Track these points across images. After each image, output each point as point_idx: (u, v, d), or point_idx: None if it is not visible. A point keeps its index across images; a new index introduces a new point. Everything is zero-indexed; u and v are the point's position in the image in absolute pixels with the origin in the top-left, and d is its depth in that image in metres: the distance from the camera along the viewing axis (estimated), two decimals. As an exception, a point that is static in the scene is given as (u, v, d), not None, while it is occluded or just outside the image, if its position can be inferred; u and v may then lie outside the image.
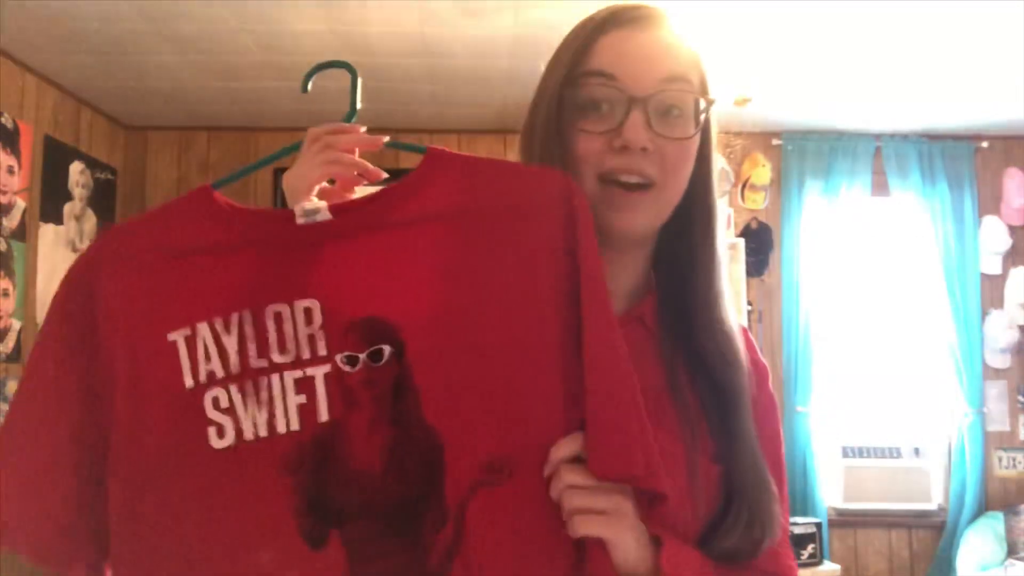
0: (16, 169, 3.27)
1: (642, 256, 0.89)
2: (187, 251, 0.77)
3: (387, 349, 0.72)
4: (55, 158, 3.55)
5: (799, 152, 4.30)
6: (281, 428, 0.72)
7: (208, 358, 0.73)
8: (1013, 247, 4.32)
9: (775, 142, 4.34)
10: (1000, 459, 4.26)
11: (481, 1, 2.82)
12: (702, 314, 0.85)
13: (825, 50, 3.25)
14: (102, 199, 3.95)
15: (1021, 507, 4.00)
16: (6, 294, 3.20)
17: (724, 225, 0.90)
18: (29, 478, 0.75)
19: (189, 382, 0.73)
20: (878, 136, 4.29)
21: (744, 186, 4.29)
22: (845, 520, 4.18)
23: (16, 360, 3.28)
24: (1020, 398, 4.31)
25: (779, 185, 4.32)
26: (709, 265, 0.87)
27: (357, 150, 0.87)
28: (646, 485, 0.72)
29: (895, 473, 4.18)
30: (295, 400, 0.72)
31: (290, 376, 0.73)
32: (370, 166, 0.84)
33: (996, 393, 4.29)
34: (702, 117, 0.85)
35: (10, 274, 3.23)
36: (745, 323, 4.04)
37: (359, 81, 0.94)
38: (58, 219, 3.57)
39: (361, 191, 0.84)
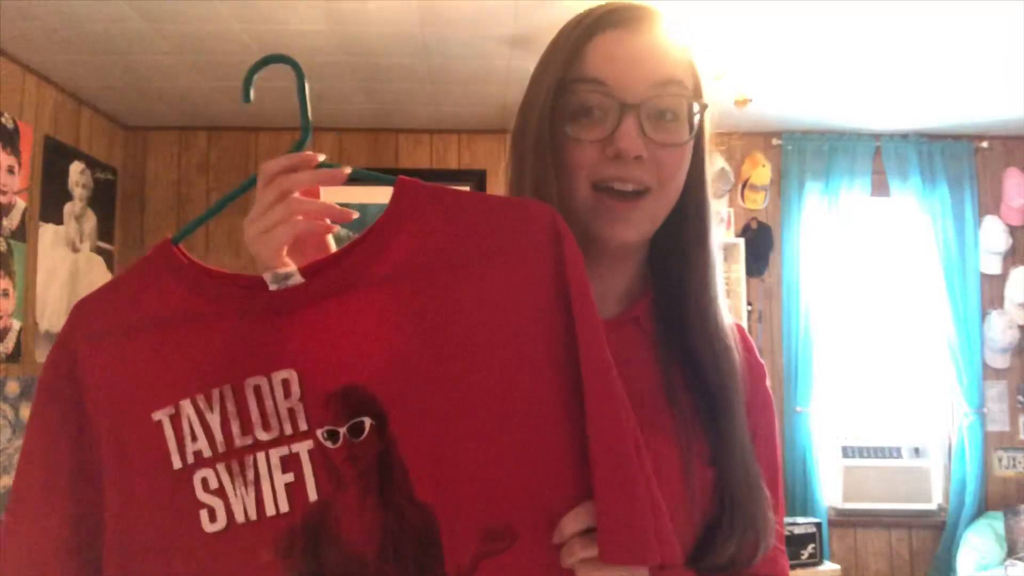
0: (16, 169, 3.27)
1: (637, 259, 0.88)
2: (159, 322, 0.74)
3: (368, 422, 0.69)
4: (55, 158, 3.55)
5: (799, 152, 4.30)
6: (271, 510, 0.69)
7: (194, 437, 0.71)
8: (1013, 247, 4.32)
9: (775, 142, 4.34)
10: (1000, 459, 4.26)
11: (481, 1, 2.82)
12: (695, 315, 0.84)
13: (825, 50, 3.25)
14: (102, 199, 3.95)
15: (1021, 507, 3.99)
16: (6, 294, 3.20)
17: (718, 227, 0.89)
18: (32, 567, 0.73)
19: (177, 463, 0.71)
20: (878, 136, 4.29)
21: (744, 186, 4.29)
22: (845, 520, 4.18)
23: (16, 360, 3.28)
24: (1020, 398, 4.31)
25: (779, 185, 4.32)
26: (703, 267, 0.86)
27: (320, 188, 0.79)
28: (661, 561, 0.69)
29: (895, 473, 4.18)
30: (283, 479, 0.70)
31: (276, 454, 0.70)
32: (337, 209, 0.77)
33: (996, 393, 4.29)
34: (696, 120, 0.83)
35: (10, 274, 3.23)
36: (745, 323, 4.05)
37: (307, 87, 0.84)
38: (58, 219, 3.57)
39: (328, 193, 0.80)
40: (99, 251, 3.93)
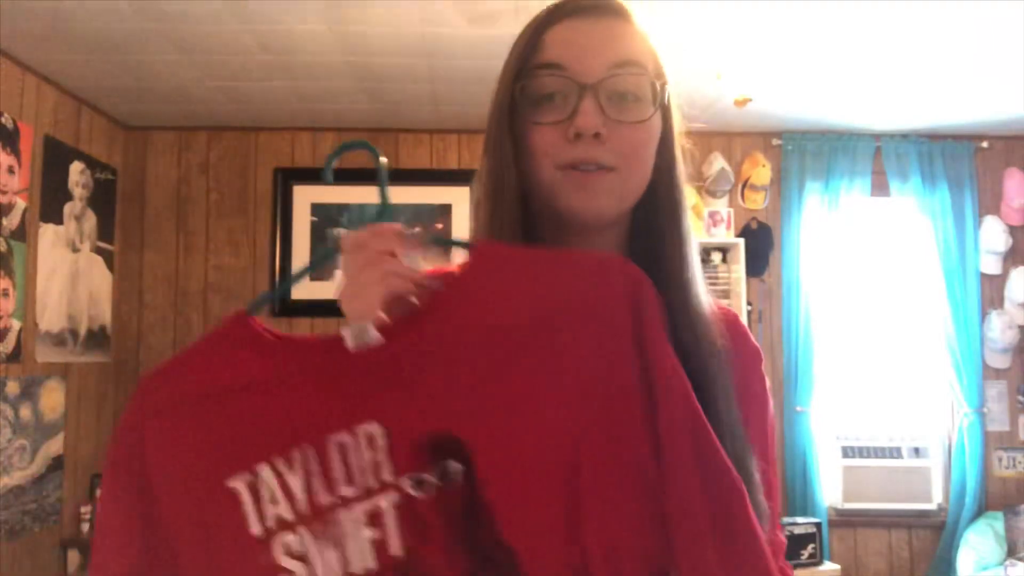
0: (16, 169, 3.27)
1: (612, 240, 0.87)
2: (234, 389, 0.73)
3: (454, 466, 0.68)
4: (55, 158, 3.55)
5: (799, 152, 4.30)
6: (356, 567, 0.68)
7: (274, 501, 0.69)
8: (1013, 247, 4.32)
9: (775, 142, 4.34)
10: (1000, 459, 4.26)
11: (481, 1, 2.82)
12: (672, 298, 0.83)
13: (825, 50, 3.25)
14: (102, 199, 3.95)
15: (1021, 507, 3.99)
16: (6, 294, 3.20)
17: (689, 209, 0.89)
18: None
19: (257, 529, 0.69)
20: (878, 136, 4.29)
21: (744, 186, 4.29)
22: (845, 520, 4.18)
23: (16, 360, 3.28)
24: (1020, 398, 4.31)
25: (779, 185, 4.32)
26: (678, 250, 0.85)
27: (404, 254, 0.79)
28: None
29: (895, 473, 4.18)
30: (367, 535, 0.68)
31: (360, 509, 0.69)
32: (423, 275, 0.77)
33: (996, 393, 4.29)
34: (659, 100, 0.83)
35: (10, 274, 3.23)
36: (745, 323, 4.03)
37: (385, 171, 0.83)
38: (58, 219, 3.57)
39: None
40: (99, 251, 3.93)
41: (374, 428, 0.69)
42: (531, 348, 0.70)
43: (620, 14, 0.85)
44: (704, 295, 0.86)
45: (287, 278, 0.79)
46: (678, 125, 0.88)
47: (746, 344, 0.91)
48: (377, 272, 0.75)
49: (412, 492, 0.68)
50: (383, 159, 0.83)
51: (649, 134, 0.84)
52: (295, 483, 0.69)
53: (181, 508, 0.72)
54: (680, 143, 0.88)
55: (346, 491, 0.69)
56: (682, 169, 0.88)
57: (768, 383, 0.94)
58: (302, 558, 0.69)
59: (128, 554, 0.72)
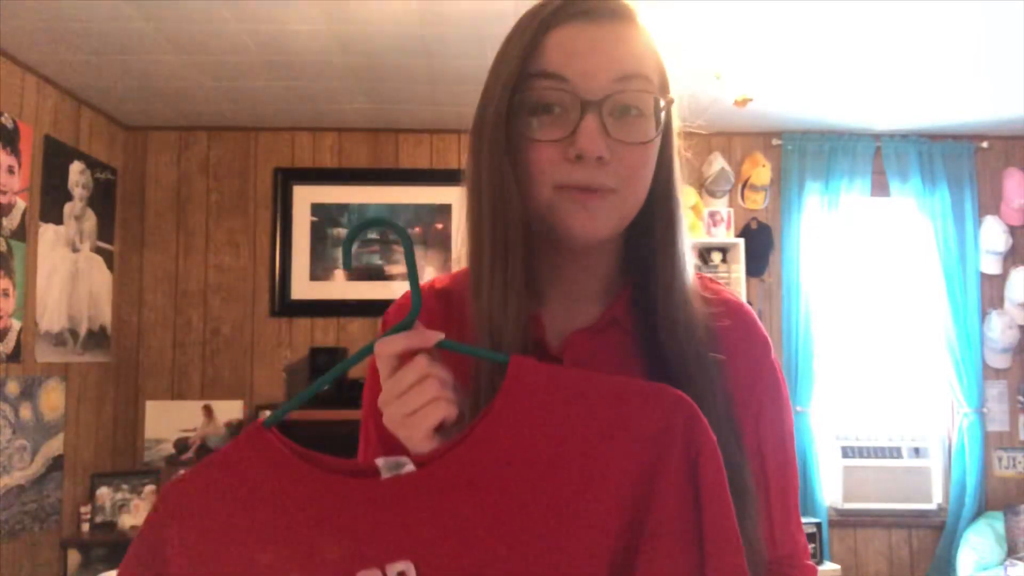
0: (16, 169, 3.27)
1: (610, 257, 0.86)
2: (258, 509, 0.69)
3: None
4: (55, 158, 3.55)
5: (799, 152, 4.30)
6: None
7: None
8: (1013, 247, 4.32)
9: (775, 142, 4.34)
10: (1000, 459, 4.26)
11: (481, 1, 2.82)
12: (662, 313, 0.81)
13: (825, 50, 3.25)
14: (102, 199, 3.95)
15: (1021, 507, 4.00)
16: (6, 294, 3.20)
17: (686, 225, 0.86)
18: None
19: None
20: (878, 136, 4.29)
21: (744, 186, 4.29)
22: (845, 520, 4.18)
23: (16, 360, 3.28)
24: (1020, 398, 4.31)
25: (779, 185, 4.32)
26: (671, 265, 0.82)
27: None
28: None
29: (895, 473, 4.18)
30: None
31: None
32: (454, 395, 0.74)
33: (996, 393, 4.29)
34: (662, 117, 0.79)
35: (10, 274, 3.23)
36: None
37: (413, 255, 0.75)
38: (58, 219, 3.57)
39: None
40: (99, 251, 3.93)
41: (408, 567, 0.66)
42: (572, 488, 0.67)
43: (626, 18, 0.79)
44: (695, 310, 0.83)
45: (306, 390, 0.75)
46: (677, 129, 0.85)
47: (755, 334, 0.89)
48: (428, 395, 0.71)
49: None
50: (414, 251, 0.76)
51: (651, 154, 0.80)
52: None
53: None
54: (678, 150, 0.85)
55: None
56: (679, 179, 0.85)
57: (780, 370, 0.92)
58: None
59: None
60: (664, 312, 0.81)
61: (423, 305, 0.80)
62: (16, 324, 3.27)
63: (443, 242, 4.16)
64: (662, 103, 0.79)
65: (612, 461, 0.67)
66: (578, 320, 0.84)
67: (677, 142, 0.84)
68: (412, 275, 0.74)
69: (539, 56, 0.76)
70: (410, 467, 0.69)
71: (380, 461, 0.69)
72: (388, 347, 0.72)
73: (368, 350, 0.74)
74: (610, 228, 0.79)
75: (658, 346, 0.81)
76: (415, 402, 0.71)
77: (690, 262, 0.85)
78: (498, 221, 0.77)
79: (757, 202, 4.30)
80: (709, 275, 0.97)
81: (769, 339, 0.91)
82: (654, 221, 0.82)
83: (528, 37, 0.77)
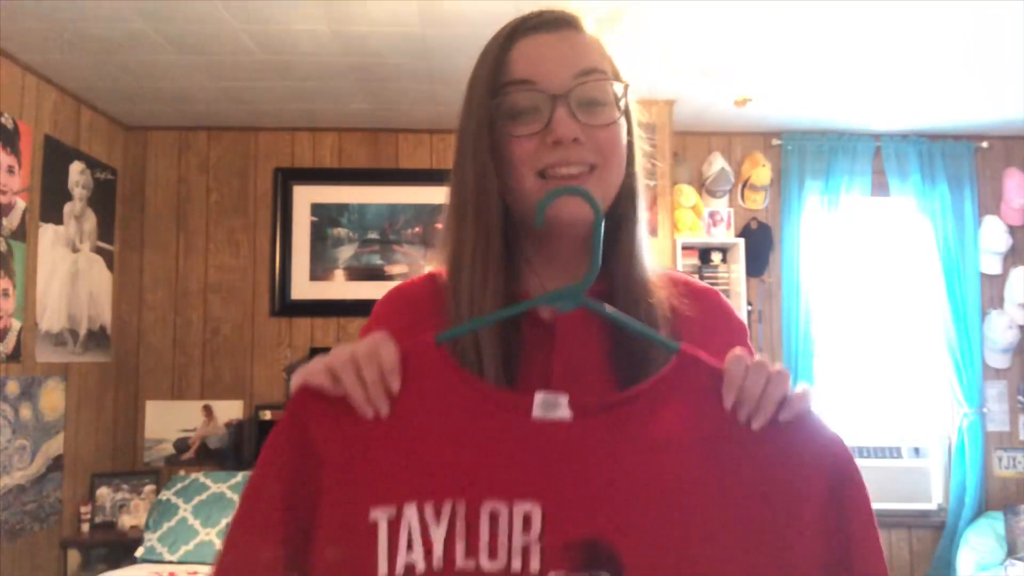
0: (16, 169, 3.27)
1: (585, 237, 0.90)
2: (407, 416, 0.71)
3: None
4: (55, 158, 3.55)
5: (799, 152, 4.30)
6: None
7: (410, 547, 0.67)
8: (1013, 247, 4.32)
9: (775, 142, 4.34)
10: (1000, 459, 4.26)
11: (481, 1, 2.82)
12: (621, 288, 0.87)
13: (825, 50, 3.25)
14: (102, 199, 3.95)
15: (1021, 507, 4.00)
16: (6, 294, 3.20)
17: (645, 208, 0.93)
18: None
19: (383, 569, 0.67)
20: (878, 136, 4.29)
21: (744, 186, 4.29)
22: (845, 520, 4.18)
23: (16, 360, 3.28)
24: (1020, 398, 4.31)
25: (779, 185, 4.32)
26: (630, 240, 0.89)
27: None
28: None
29: (895, 473, 4.18)
30: None
31: None
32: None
33: (996, 393, 4.29)
34: (622, 102, 0.89)
35: (10, 274, 3.23)
36: (745, 323, 4.04)
37: (602, 227, 0.83)
38: (58, 219, 3.57)
39: None
40: (99, 251, 3.93)
41: (534, 510, 0.67)
42: (714, 477, 0.68)
43: (575, 26, 0.90)
44: (654, 293, 0.88)
45: (489, 316, 0.76)
46: (636, 118, 0.93)
47: (730, 320, 0.95)
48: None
49: None
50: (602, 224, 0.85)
51: (619, 134, 0.88)
52: (437, 535, 0.67)
53: (324, 521, 0.69)
54: (638, 137, 0.93)
55: (486, 562, 0.67)
56: (640, 162, 0.93)
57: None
58: None
59: (271, 544, 0.70)
60: (624, 287, 0.87)
61: (422, 293, 0.90)
62: (16, 324, 3.27)
63: (443, 242, 4.16)
64: (620, 89, 0.89)
65: (765, 463, 0.69)
66: None
67: (637, 130, 0.93)
68: (596, 242, 0.78)
69: (508, 67, 0.87)
70: (566, 413, 0.70)
71: (539, 396, 0.71)
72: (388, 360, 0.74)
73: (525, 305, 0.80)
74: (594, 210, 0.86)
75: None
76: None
77: (648, 247, 0.91)
78: (480, 212, 0.86)
79: (757, 202, 4.30)
80: (707, 277, 1.01)
81: (745, 325, 0.96)
82: (617, 199, 0.89)
83: (495, 53, 0.89)
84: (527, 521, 0.67)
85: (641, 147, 0.93)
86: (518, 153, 0.85)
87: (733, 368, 0.72)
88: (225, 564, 0.71)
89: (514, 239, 0.89)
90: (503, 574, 0.67)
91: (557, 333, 0.85)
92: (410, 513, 0.68)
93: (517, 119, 0.86)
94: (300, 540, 0.70)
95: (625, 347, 0.84)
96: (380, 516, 0.68)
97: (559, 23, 0.89)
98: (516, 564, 0.66)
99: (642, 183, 0.93)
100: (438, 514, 0.68)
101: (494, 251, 0.85)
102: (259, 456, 0.73)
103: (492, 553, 0.67)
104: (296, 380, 0.75)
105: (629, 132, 0.91)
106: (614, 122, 0.87)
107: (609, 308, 0.79)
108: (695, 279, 0.97)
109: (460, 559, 0.67)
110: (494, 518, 0.67)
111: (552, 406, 0.70)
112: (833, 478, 0.70)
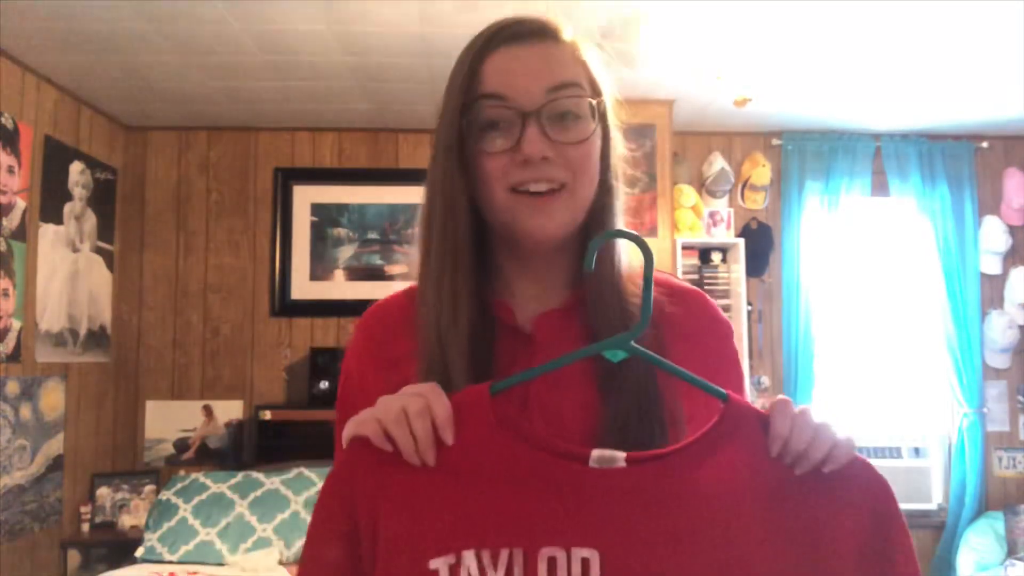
0: (16, 169, 3.27)
1: (572, 249, 0.91)
2: (460, 468, 0.72)
3: None
4: (55, 158, 3.55)
5: (799, 152, 4.30)
6: None
7: None
8: (1013, 247, 4.32)
9: (775, 142, 4.34)
10: (1000, 459, 4.26)
11: (481, 1, 2.82)
12: (592, 296, 0.87)
13: (825, 50, 3.25)
14: (102, 199, 3.95)
15: (1021, 507, 3.99)
16: (6, 294, 3.20)
17: (621, 215, 0.92)
18: None
19: None
20: (878, 136, 4.29)
21: (744, 186, 4.29)
22: (845, 520, 4.17)
23: (16, 360, 3.28)
24: (1020, 398, 4.31)
25: (779, 185, 4.32)
26: (603, 256, 0.87)
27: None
28: None
29: (895, 473, 4.18)
30: None
31: None
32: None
33: (996, 393, 4.29)
34: (597, 116, 0.87)
35: (10, 274, 3.23)
36: (745, 323, 4.05)
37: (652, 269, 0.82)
38: (58, 219, 3.57)
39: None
40: (99, 251, 3.94)
41: (592, 555, 0.68)
42: (764, 522, 0.70)
43: (550, 36, 0.88)
44: (628, 277, 0.89)
45: (546, 365, 0.76)
46: (614, 126, 0.91)
47: (714, 321, 0.94)
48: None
49: None
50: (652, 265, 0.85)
51: (593, 148, 0.87)
52: None
53: (381, 572, 0.71)
54: (617, 144, 0.92)
55: None
56: (617, 172, 0.92)
57: (741, 356, 0.98)
58: None
59: None
60: (596, 295, 0.86)
61: (401, 309, 0.90)
62: (16, 324, 3.27)
63: (443, 242, 4.15)
64: (594, 103, 0.87)
65: (813, 511, 0.71)
66: (548, 304, 0.90)
67: (617, 136, 0.92)
68: (647, 292, 0.78)
69: (480, 81, 0.86)
70: (622, 464, 0.72)
71: (595, 452, 0.72)
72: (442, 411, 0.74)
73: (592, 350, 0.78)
74: (567, 225, 0.86)
75: (596, 331, 0.85)
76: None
77: (625, 251, 0.90)
78: (447, 224, 0.86)
79: (757, 202, 4.30)
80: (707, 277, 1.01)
81: (730, 324, 0.96)
82: (592, 209, 0.89)
83: (467, 65, 0.87)
84: (586, 566, 0.68)
85: (621, 154, 0.92)
86: (488, 169, 0.85)
87: (779, 420, 0.73)
88: None
89: (487, 249, 0.90)
90: None
91: (536, 343, 0.86)
92: (469, 560, 0.69)
93: (488, 134, 0.85)
94: None
95: (609, 371, 0.84)
96: (440, 565, 0.69)
97: (535, 34, 0.87)
98: None
99: (620, 191, 0.92)
100: (496, 561, 0.69)
101: (461, 262, 0.85)
102: (314, 513, 0.75)
103: None
104: (348, 432, 0.76)
105: (606, 150, 0.90)
106: (587, 138, 0.86)
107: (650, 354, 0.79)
108: (679, 279, 0.97)
109: None
110: (552, 564, 0.69)
111: (609, 461, 0.72)
112: (876, 520, 0.73)
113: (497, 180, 0.85)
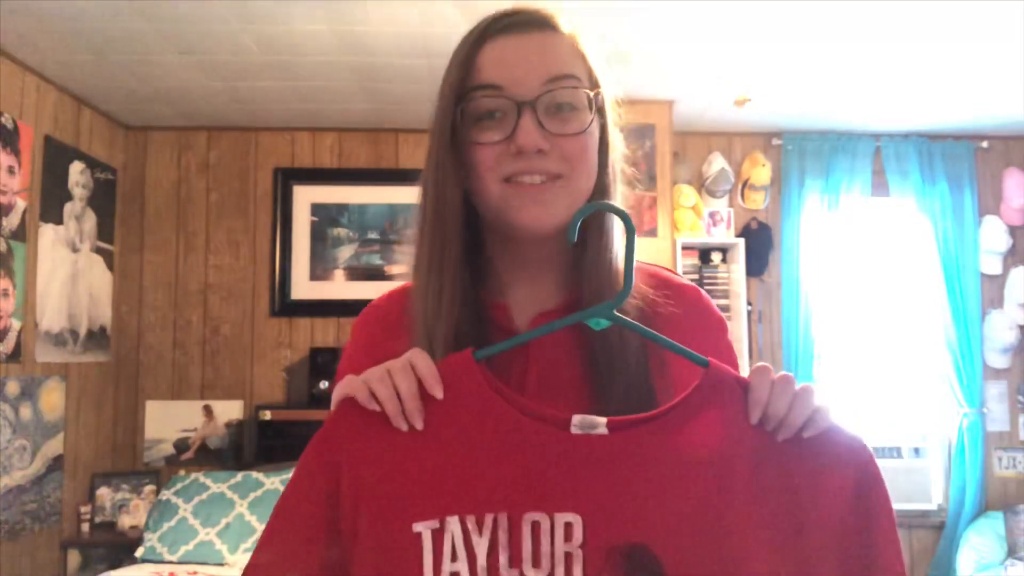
0: (16, 169, 3.27)
1: (563, 241, 0.88)
2: (445, 432, 0.72)
3: None
4: (55, 158, 3.55)
5: (799, 152, 4.30)
6: None
7: (454, 557, 0.69)
8: (1013, 247, 4.32)
9: (775, 142, 4.34)
10: (1000, 459, 4.26)
11: (481, 1, 2.81)
12: (586, 296, 0.86)
13: (825, 50, 3.25)
14: (102, 199, 3.95)
15: (1021, 507, 4.00)
16: (6, 294, 3.20)
17: (619, 195, 0.91)
18: None
19: None
20: (878, 136, 4.29)
21: (744, 186, 4.29)
22: (845, 520, 4.17)
23: (16, 360, 3.28)
24: (1020, 398, 4.31)
25: (779, 185, 4.32)
26: (597, 248, 0.87)
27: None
28: None
29: (895, 473, 4.18)
30: None
31: None
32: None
33: (996, 393, 4.29)
34: (594, 108, 0.86)
35: (10, 274, 3.23)
36: (745, 323, 4.05)
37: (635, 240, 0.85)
38: (58, 219, 3.57)
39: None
40: (99, 251, 3.94)
41: (575, 520, 0.69)
42: (743, 487, 0.71)
43: (548, 26, 0.86)
44: (617, 262, 0.88)
45: (532, 332, 0.76)
46: (612, 119, 0.90)
47: (709, 317, 0.94)
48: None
49: None
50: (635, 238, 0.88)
51: (589, 140, 0.86)
52: (480, 546, 0.69)
53: (362, 538, 0.71)
54: (615, 139, 0.91)
55: (529, 571, 0.69)
56: (615, 168, 0.90)
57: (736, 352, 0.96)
58: None
59: (310, 551, 0.72)
60: (594, 290, 0.86)
61: (392, 305, 0.90)
62: (16, 324, 3.27)
63: (443, 242, 4.15)
64: (592, 94, 0.86)
65: (796, 488, 0.71)
66: (545, 305, 0.90)
67: (614, 131, 0.91)
68: (628, 259, 0.79)
69: (476, 71, 0.84)
70: (603, 430, 0.72)
71: (576, 417, 0.73)
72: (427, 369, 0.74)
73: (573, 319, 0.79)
74: (560, 216, 0.84)
75: (589, 332, 0.85)
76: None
77: (615, 228, 0.89)
78: (439, 217, 0.85)
79: (757, 202, 4.30)
80: (707, 277, 1.00)
81: (724, 320, 0.96)
82: (593, 194, 0.88)
83: (464, 55, 0.86)
84: (569, 530, 0.69)
85: (620, 149, 0.92)
86: (482, 160, 0.84)
87: (758, 386, 0.73)
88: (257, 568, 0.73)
89: (482, 243, 0.89)
90: None
91: (532, 345, 0.85)
92: (453, 525, 0.69)
93: (482, 124, 0.84)
94: (336, 556, 0.71)
95: (600, 356, 0.84)
96: (423, 528, 0.70)
97: (532, 24, 0.86)
98: (559, 572, 0.69)
99: (617, 184, 0.91)
100: (480, 526, 0.69)
101: (451, 256, 0.84)
102: (296, 470, 0.74)
103: (535, 561, 0.69)
104: (337, 395, 0.76)
105: (604, 142, 0.89)
106: (583, 130, 0.85)
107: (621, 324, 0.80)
108: (674, 275, 0.96)
109: (504, 569, 0.69)
110: (536, 528, 0.69)
111: (590, 426, 0.72)
112: (858, 481, 0.73)
113: (490, 171, 0.83)
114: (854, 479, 0.72)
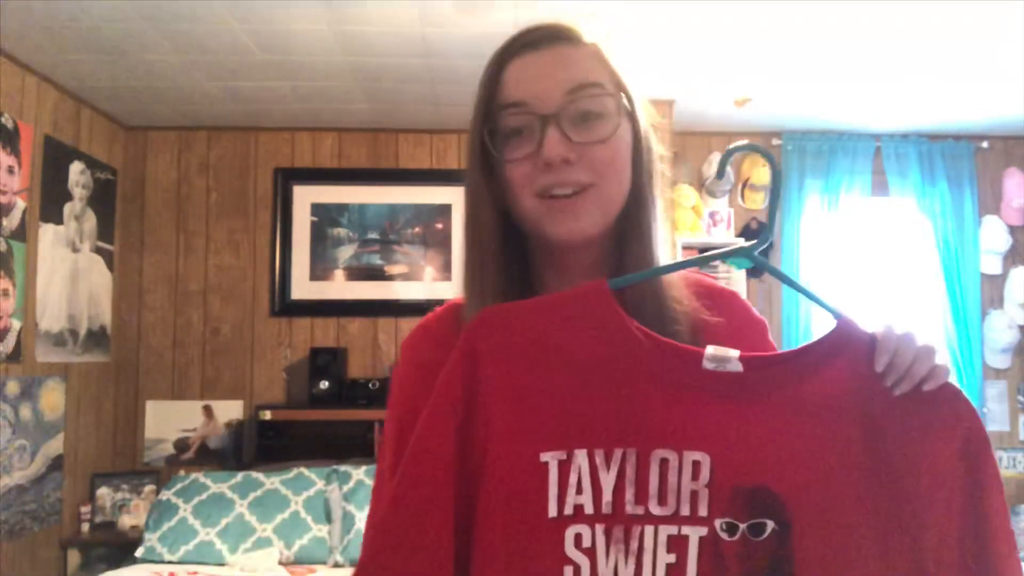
0: (16, 169, 3.27)
1: (607, 253, 0.91)
2: (576, 363, 0.73)
3: (770, 525, 0.69)
4: (55, 158, 3.55)
5: (799, 152, 4.30)
6: None
7: (580, 490, 0.69)
8: (1013, 247, 4.32)
9: (775, 142, 4.34)
10: (1000, 459, 4.26)
11: (481, 0, 2.82)
12: (629, 302, 0.86)
13: (825, 50, 3.25)
14: (102, 199, 3.95)
15: (1021, 507, 3.99)
16: (6, 294, 3.20)
17: (659, 219, 0.92)
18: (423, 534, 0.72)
19: (553, 511, 0.69)
20: (878, 136, 4.29)
21: (744, 186, 4.29)
22: (845, 520, 4.18)
23: (16, 360, 3.28)
24: (1020, 398, 4.31)
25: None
26: (638, 254, 0.88)
27: None
28: None
29: (895, 473, 4.18)
30: (665, 558, 0.68)
31: (664, 531, 0.69)
32: None
33: (996, 393, 4.29)
34: (622, 113, 0.87)
35: (10, 274, 3.23)
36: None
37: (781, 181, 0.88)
38: (58, 219, 3.57)
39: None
40: (99, 251, 3.93)
41: (703, 458, 0.69)
42: (871, 435, 0.72)
43: (568, 39, 0.88)
44: (679, 297, 0.89)
45: (670, 264, 0.79)
46: (646, 122, 0.91)
47: (751, 321, 0.95)
48: None
49: (722, 535, 0.69)
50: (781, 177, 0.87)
51: (619, 146, 0.87)
52: (606, 480, 0.69)
53: (490, 461, 0.71)
54: (651, 142, 0.92)
55: (655, 508, 0.69)
56: (653, 173, 0.91)
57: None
58: (589, 554, 0.69)
59: (443, 466, 0.71)
60: (636, 302, 0.85)
61: (444, 325, 0.89)
62: (16, 324, 3.27)
63: (443, 242, 4.15)
64: (618, 99, 0.87)
65: (916, 428, 0.73)
66: None
67: (651, 136, 0.92)
68: (773, 201, 0.85)
69: (500, 90, 0.87)
70: (736, 366, 0.72)
71: (710, 349, 0.73)
72: None
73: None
74: (595, 225, 0.86)
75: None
76: None
77: (661, 232, 0.90)
78: (477, 237, 0.89)
79: (757, 202, 4.30)
80: (711, 273, 1.00)
81: (764, 321, 0.97)
82: (626, 208, 0.89)
83: (488, 77, 0.89)
84: (696, 468, 0.69)
85: (656, 151, 0.92)
86: (514, 177, 0.86)
87: (886, 337, 0.76)
88: (397, 499, 0.72)
89: (528, 259, 0.91)
90: (671, 519, 0.69)
91: None
92: (580, 458, 0.70)
93: (511, 143, 0.86)
94: (469, 477, 0.71)
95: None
96: (550, 458, 0.70)
97: (552, 38, 0.87)
98: (685, 510, 0.69)
99: (656, 187, 0.92)
100: (608, 460, 0.70)
101: (489, 274, 0.87)
102: (436, 388, 0.74)
103: (662, 499, 0.69)
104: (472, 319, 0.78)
105: (639, 146, 0.89)
106: (611, 136, 0.85)
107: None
108: (713, 278, 0.98)
109: (630, 504, 0.69)
110: (664, 466, 0.70)
111: (723, 361, 0.72)
112: (967, 443, 0.74)
113: (523, 187, 0.86)
114: (964, 442, 0.73)
